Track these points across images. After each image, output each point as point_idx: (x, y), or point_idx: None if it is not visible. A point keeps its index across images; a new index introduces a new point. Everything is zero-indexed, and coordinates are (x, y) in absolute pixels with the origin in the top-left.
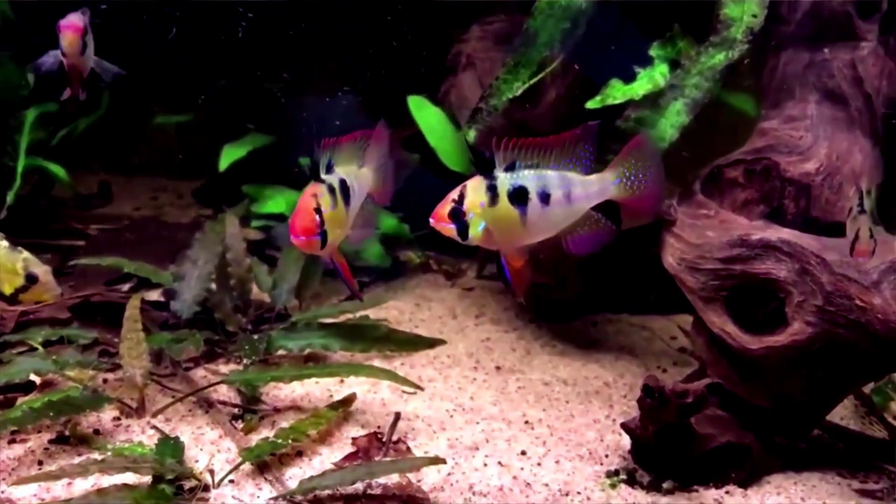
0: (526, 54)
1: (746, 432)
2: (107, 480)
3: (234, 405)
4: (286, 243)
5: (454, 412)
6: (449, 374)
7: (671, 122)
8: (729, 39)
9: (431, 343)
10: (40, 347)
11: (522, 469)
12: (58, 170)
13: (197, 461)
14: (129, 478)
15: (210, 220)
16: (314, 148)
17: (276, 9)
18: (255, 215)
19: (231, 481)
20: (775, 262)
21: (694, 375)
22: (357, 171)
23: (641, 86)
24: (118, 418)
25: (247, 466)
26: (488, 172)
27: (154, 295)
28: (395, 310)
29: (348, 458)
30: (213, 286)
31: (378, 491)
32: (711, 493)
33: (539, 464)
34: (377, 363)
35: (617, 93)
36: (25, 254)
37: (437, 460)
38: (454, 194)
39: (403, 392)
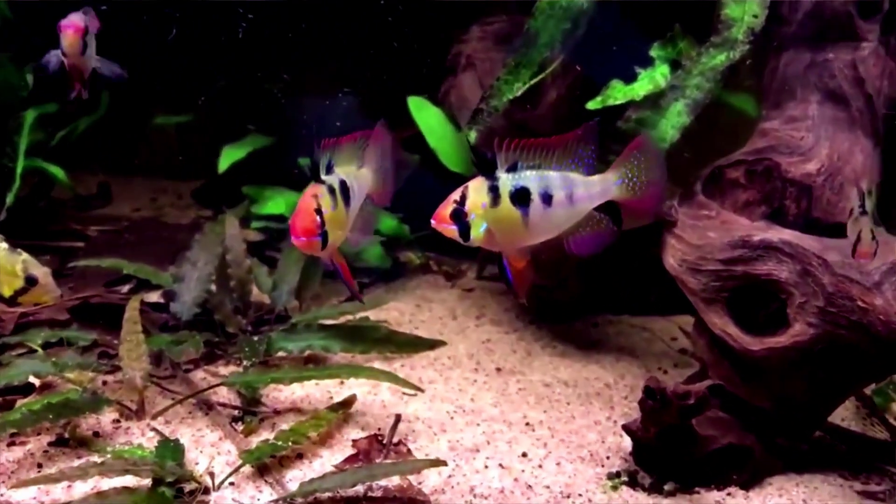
0: (527, 55)
1: (748, 434)
2: (106, 483)
3: (234, 407)
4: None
5: (455, 414)
6: (449, 375)
7: (672, 122)
8: (730, 40)
9: (432, 344)
10: (40, 349)
11: (523, 471)
12: (57, 171)
13: (197, 464)
14: (129, 480)
15: (210, 222)
16: (314, 148)
17: (275, 9)
18: (254, 216)
19: (231, 484)
20: (777, 263)
21: (695, 377)
22: (357, 172)
23: (642, 86)
24: (118, 420)
25: (247, 469)
26: (490, 173)
27: (154, 296)
28: (396, 311)
29: (349, 460)
30: (213, 288)
31: (379, 493)
32: (713, 495)
33: (540, 466)
34: (377, 365)
35: (618, 93)
36: (25, 255)
37: (437, 462)
38: (456, 195)
39: (404, 394)
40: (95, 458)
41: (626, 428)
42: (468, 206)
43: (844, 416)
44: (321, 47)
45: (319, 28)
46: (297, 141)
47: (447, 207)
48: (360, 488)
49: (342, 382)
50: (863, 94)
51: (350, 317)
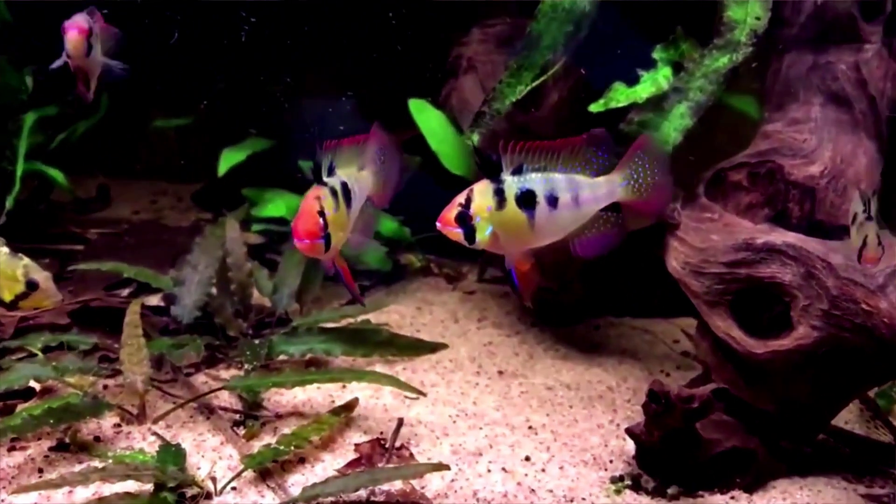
0: (529, 57)
1: (752, 437)
2: (108, 489)
3: (236, 411)
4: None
5: (457, 417)
6: (451, 378)
7: (675, 125)
8: (733, 42)
9: (433, 347)
10: (40, 353)
11: (527, 475)
12: (56, 174)
13: (199, 468)
14: (131, 486)
15: (210, 224)
16: (316, 151)
17: (275, 12)
18: (255, 219)
19: (233, 488)
20: (780, 265)
21: (698, 380)
22: (357, 174)
23: (645, 89)
24: (119, 425)
25: (249, 473)
26: (495, 176)
27: (154, 300)
28: (397, 314)
29: (351, 464)
30: (214, 291)
31: (381, 498)
32: (717, 499)
33: (543, 470)
34: (379, 368)
35: (620, 96)
36: (26, 260)
37: (440, 467)
38: (461, 198)
39: (406, 397)
40: (97, 463)
41: (629, 431)
42: (473, 209)
43: (848, 418)
44: (321, 49)
45: (319, 30)
46: (297, 143)
47: (452, 210)
48: (362, 493)
49: (344, 386)
50: (866, 96)
51: (351, 320)
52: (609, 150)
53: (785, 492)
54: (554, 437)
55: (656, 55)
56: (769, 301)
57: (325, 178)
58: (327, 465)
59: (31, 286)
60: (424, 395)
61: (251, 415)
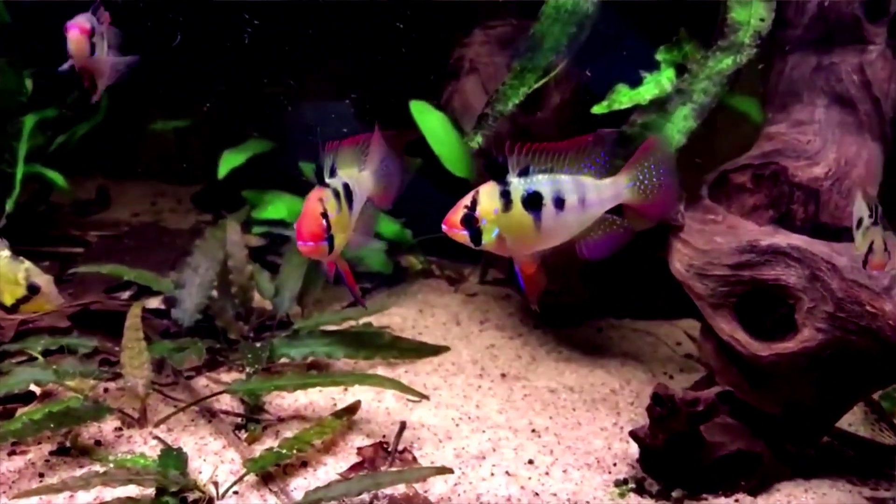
0: (532, 59)
1: (757, 440)
2: (109, 493)
3: (237, 415)
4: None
5: (460, 421)
6: (454, 381)
7: (678, 127)
8: (737, 44)
9: (436, 350)
10: (40, 357)
11: (530, 478)
12: (56, 177)
13: (200, 472)
14: (132, 490)
15: (210, 227)
16: (318, 152)
17: (275, 13)
18: (255, 221)
19: (235, 493)
20: (785, 267)
21: (702, 382)
22: (358, 175)
23: (648, 90)
24: (120, 429)
25: (251, 478)
26: (501, 178)
27: (154, 303)
28: (398, 316)
29: (354, 468)
30: (215, 293)
31: (385, 502)
32: (721, 502)
33: (547, 473)
34: (381, 371)
35: (623, 97)
36: (27, 264)
37: (443, 470)
38: (466, 200)
39: (408, 400)
40: (98, 468)
41: (633, 434)
42: (479, 211)
43: (852, 421)
44: (321, 50)
45: (319, 31)
46: (297, 145)
47: (458, 213)
48: (365, 497)
49: (346, 389)
50: (870, 98)
51: (353, 322)
52: (609, 147)
53: (790, 495)
54: (557, 440)
55: (659, 57)
56: (773, 303)
57: (326, 180)
58: (330, 469)
59: (33, 290)
60: (427, 398)
61: (253, 418)
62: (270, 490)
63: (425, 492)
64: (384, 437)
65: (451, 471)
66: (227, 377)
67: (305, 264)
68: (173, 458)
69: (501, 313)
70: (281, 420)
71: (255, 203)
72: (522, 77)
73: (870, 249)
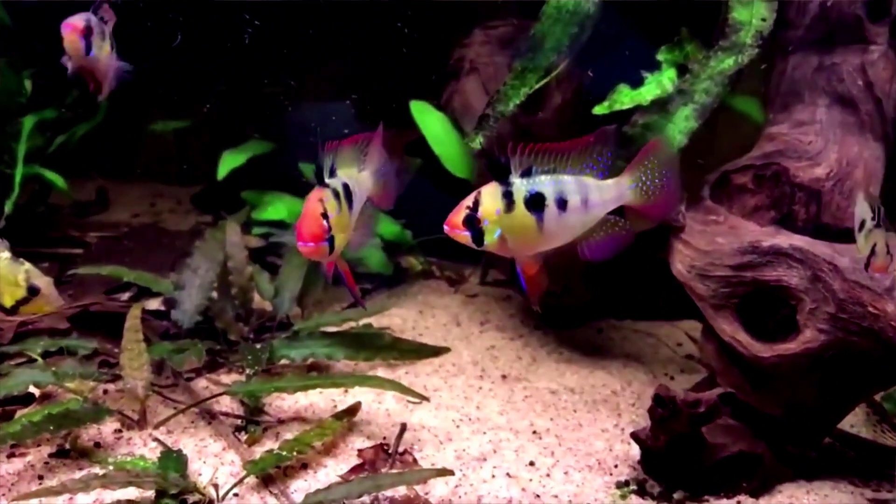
0: (533, 59)
1: (758, 441)
2: (109, 495)
3: (237, 416)
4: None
5: (460, 422)
6: (454, 382)
7: (680, 127)
8: (738, 44)
9: (436, 351)
10: (39, 358)
11: (531, 480)
12: (55, 178)
13: (200, 475)
14: (132, 493)
15: (210, 227)
16: (318, 152)
17: (275, 13)
18: (255, 222)
19: (235, 495)
20: (787, 268)
21: (703, 383)
22: (358, 175)
23: (649, 91)
24: (119, 431)
25: (251, 480)
26: (504, 178)
27: (154, 304)
28: (399, 317)
29: (354, 470)
30: (215, 295)
31: None
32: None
33: (548, 475)
34: (381, 372)
35: (624, 98)
36: (27, 265)
37: (444, 472)
38: (468, 201)
39: (409, 402)
40: (97, 470)
41: (634, 436)
42: (482, 212)
43: (854, 422)
44: (321, 51)
45: (320, 32)
46: (297, 145)
47: (460, 214)
48: (366, 499)
49: (346, 391)
50: (872, 98)
51: (353, 323)
52: (613, 146)
53: (791, 496)
54: (558, 442)
55: (661, 57)
56: (775, 304)
57: (326, 180)
58: (330, 471)
59: (33, 291)
60: (427, 399)
61: (253, 420)
62: (271, 492)
63: (426, 494)
64: (384, 438)
65: (451, 472)
66: (227, 379)
67: (305, 265)
68: (173, 460)
69: (502, 314)
70: (281, 422)
71: (254, 204)
72: (523, 77)
73: (872, 252)
